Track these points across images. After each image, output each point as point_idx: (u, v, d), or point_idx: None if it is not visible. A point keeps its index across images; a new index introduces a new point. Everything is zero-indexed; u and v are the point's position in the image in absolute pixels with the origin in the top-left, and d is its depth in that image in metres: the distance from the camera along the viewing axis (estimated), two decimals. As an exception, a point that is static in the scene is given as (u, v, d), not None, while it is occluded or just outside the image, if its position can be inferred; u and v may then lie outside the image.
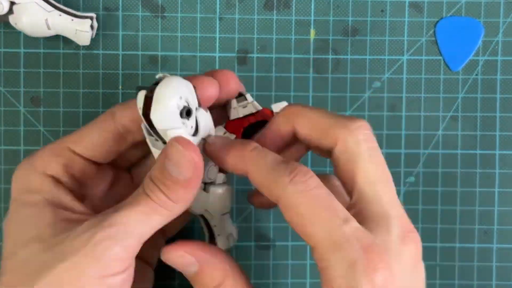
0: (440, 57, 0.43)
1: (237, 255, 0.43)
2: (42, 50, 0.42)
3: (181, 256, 0.31)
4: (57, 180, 0.32)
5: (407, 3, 0.43)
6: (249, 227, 0.43)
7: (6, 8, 0.39)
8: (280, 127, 0.33)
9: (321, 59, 0.43)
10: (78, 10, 0.40)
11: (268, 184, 0.29)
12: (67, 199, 0.32)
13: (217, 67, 0.43)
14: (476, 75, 0.44)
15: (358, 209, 0.30)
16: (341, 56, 0.43)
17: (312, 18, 0.43)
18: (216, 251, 0.32)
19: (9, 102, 0.41)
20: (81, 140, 0.33)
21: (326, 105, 0.43)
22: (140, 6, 0.42)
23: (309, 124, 0.32)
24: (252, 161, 0.30)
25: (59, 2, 0.40)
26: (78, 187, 0.34)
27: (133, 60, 0.42)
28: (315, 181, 0.29)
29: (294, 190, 0.28)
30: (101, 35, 0.42)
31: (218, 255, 0.31)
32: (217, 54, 0.43)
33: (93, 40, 0.41)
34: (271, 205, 0.33)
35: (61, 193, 0.32)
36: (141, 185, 0.30)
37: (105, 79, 0.42)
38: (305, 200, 0.28)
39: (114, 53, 0.42)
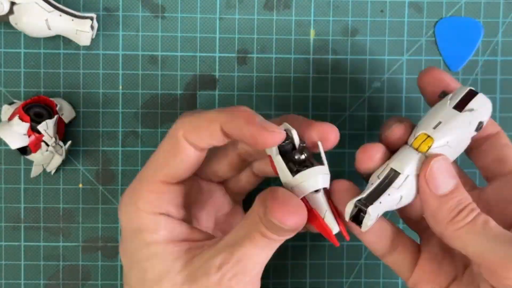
0: (440, 57, 0.43)
1: (237, 255, 0.43)
2: (42, 50, 0.42)
3: (447, 163, 0.33)
4: (167, 215, 0.34)
5: (406, 3, 0.43)
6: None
7: (6, 8, 0.39)
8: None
9: (321, 59, 0.43)
10: (78, 10, 0.40)
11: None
12: (182, 230, 0.34)
13: (217, 67, 0.43)
14: (476, 75, 0.44)
15: None
16: (341, 56, 0.43)
17: (312, 18, 0.43)
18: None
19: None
20: (169, 170, 0.34)
21: (326, 105, 0.43)
22: (140, 6, 0.42)
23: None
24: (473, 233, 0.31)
25: (59, 2, 0.40)
26: (184, 213, 0.35)
27: (133, 60, 0.42)
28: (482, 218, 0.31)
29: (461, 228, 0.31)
30: (101, 35, 0.42)
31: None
32: (217, 54, 0.43)
33: (93, 40, 0.41)
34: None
35: (175, 227, 0.34)
36: (251, 219, 0.32)
37: (105, 79, 0.42)
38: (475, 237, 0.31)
39: (114, 53, 0.42)
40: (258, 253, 0.32)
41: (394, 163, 0.33)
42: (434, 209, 0.32)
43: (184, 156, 0.33)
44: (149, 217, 0.33)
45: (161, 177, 0.34)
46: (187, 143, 0.33)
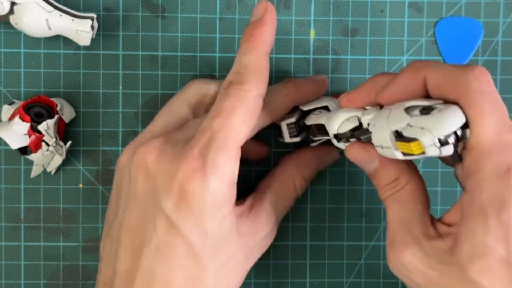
0: (440, 57, 0.43)
1: (237, 255, 0.43)
2: (42, 50, 0.42)
3: (366, 151, 0.35)
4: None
5: (406, 3, 0.43)
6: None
7: (6, 8, 0.39)
8: (408, 81, 0.32)
9: (321, 59, 0.43)
10: (78, 10, 0.40)
11: (450, 80, 0.30)
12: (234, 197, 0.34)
13: (217, 67, 0.43)
14: (476, 75, 0.44)
15: None
16: (341, 56, 0.43)
17: (312, 18, 0.43)
18: None
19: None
20: (248, 133, 0.34)
21: (326, 105, 0.43)
22: (140, 6, 0.42)
23: (438, 76, 0.31)
24: (431, 65, 0.31)
25: (59, 2, 0.40)
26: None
27: (133, 60, 0.42)
28: (493, 82, 0.30)
29: (477, 88, 0.29)
30: (101, 35, 0.42)
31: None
32: (217, 54, 0.43)
33: (93, 40, 0.41)
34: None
35: (234, 195, 0.34)
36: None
37: (105, 79, 0.42)
38: (486, 98, 0.29)
39: (114, 53, 0.42)
40: (235, 123, 0.33)
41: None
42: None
43: (257, 114, 0.34)
44: (227, 186, 0.33)
45: (241, 141, 0.33)
46: (260, 98, 0.34)
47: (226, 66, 0.43)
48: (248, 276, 0.42)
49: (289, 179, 0.39)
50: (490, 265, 0.28)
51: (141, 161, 0.34)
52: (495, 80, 0.44)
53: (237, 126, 0.33)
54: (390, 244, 0.33)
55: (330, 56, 0.43)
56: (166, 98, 0.42)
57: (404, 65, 0.43)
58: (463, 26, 0.43)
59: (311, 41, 0.43)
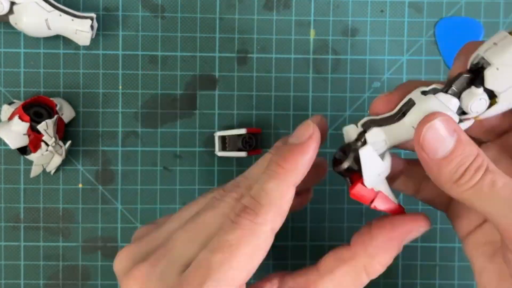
0: (440, 57, 0.43)
1: (237, 255, 0.43)
2: (42, 50, 0.42)
3: (446, 121, 0.28)
4: None
5: (406, 3, 0.43)
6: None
7: (6, 8, 0.39)
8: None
9: (321, 59, 0.43)
10: (78, 10, 0.40)
11: None
12: None
13: (217, 67, 0.43)
14: (476, 75, 0.44)
15: None
16: (341, 56, 0.43)
17: (312, 18, 0.43)
18: None
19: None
20: (244, 271, 0.29)
21: (326, 105, 0.43)
22: (140, 6, 0.42)
23: None
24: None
25: (59, 2, 0.40)
26: None
27: (133, 60, 0.42)
28: None
29: None
30: (101, 35, 0.42)
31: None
32: (217, 54, 0.43)
33: (93, 40, 0.41)
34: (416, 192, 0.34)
35: None
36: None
37: (105, 79, 0.42)
38: None
39: (114, 53, 0.42)
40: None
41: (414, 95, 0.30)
42: (435, 174, 0.29)
43: (266, 252, 0.30)
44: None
45: (244, 280, 0.29)
46: (272, 234, 0.30)
47: (226, 66, 0.43)
48: (248, 276, 0.42)
49: (360, 269, 0.32)
50: None
51: None
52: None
53: (240, 265, 0.28)
54: None
55: (330, 56, 0.43)
56: (166, 98, 0.42)
57: (404, 65, 0.43)
58: (463, 26, 0.43)
59: (311, 41, 0.43)
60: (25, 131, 0.38)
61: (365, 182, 0.30)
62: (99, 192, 0.42)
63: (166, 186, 0.43)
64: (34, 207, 0.42)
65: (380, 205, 0.31)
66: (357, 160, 0.30)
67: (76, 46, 0.42)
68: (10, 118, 0.39)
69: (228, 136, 0.41)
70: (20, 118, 0.38)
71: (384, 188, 0.31)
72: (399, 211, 0.32)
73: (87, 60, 0.42)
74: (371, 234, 0.32)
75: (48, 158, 0.40)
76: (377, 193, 0.31)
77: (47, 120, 0.39)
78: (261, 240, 0.29)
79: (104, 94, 0.42)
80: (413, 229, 0.32)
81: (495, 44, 0.28)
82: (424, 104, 0.29)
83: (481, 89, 0.28)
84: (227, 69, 0.43)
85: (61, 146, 0.40)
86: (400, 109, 0.30)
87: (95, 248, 0.42)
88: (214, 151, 0.42)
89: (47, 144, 0.39)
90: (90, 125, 0.42)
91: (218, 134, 0.42)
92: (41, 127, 0.39)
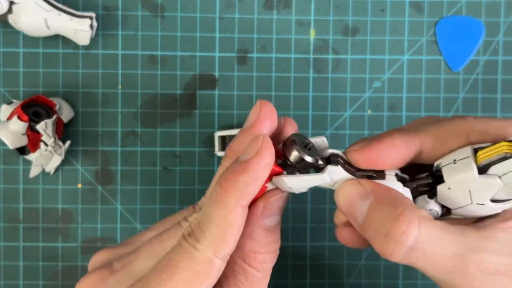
0: (440, 57, 0.43)
1: (236, 256, 0.43)
2: (41, 50, 0.42)
3: (357, 184, 0.28)
4: None
5: (407, 3, 0.43)
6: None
7: (5, 8, 0.38)
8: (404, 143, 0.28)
9: (321, 59, 0.43)
10: (77, 9, 0.40)
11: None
12: None
13: (217, 67, 0.42)
14: (477, 75, 0.44)
15: None
16: (341, 56, 0.43)
17: (312, 18, 0.43)
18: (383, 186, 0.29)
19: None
20: None
21: (326, 105, 0.43)
22: (140, 5, 0.42)
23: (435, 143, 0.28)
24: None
25: (58, 2, 0.40)
26: None
27: (132, 59, 0.42)
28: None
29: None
30: (101, 35, 0.42)
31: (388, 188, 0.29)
32: (217, 54, 0.43)
33: (92, 39, 0.40)
34: (364, 245, 0.32)
35: None
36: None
37: (104, 78, 0.42)
38: None
39: (113, 53, 0.42)
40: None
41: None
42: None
43: (207, 278, 0.28)
44: None
45: None
46: (216, 260, 0.28)
47: (226, 65, 0.42)
48: (248, 277, 0.42)
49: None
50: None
51: None
52: (496, 80, 0.44)
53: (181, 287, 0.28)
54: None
55: (330, 56, 0.43)
56: (165, 98, 0.42)
57: (405, 65, 0.43)
58: (463, 26, 0.43)
59: (311, 41, 0.43)
60: (24, 131, 0.38)
61: (288, 183, 0.29)
62: (99, 192, 0.42)
63: (166, 186, 0.43)
64: (33, 207, 0.42)
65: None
66: (305, 167, 0.28)
67: (76, 46, 0.42)
68: (9, 118, 0.39)
69: (228, 136, 0.41)
70: (19, 118, 0.38)
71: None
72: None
73: (86, 59, 0.42)
74: None
75: (47, 158, 0.40)
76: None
77: (46, 120, 0.39)
78: (201, 266, 0.28)
79: (103, 94, 0.42)
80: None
81: (454, 161, 0.27)
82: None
83: (432, 201, 0.28)
84: (227, 69, 0.43)
85: (60, 146, 0.40)
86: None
87: (94, 248, 0.42)
88: (213, 151, 0.42)
89: (46, 144, 0.39)
90: (89, 125, 0.42)
91: (218, 134, 0.42)
92: (40, 127, 0.39)
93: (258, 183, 0.28)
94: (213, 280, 0.28)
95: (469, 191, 0.27)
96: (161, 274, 0.28)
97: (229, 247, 0.28)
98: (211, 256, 0.28)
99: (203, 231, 0.28)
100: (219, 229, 0.28)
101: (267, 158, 0.27)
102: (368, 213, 0.28)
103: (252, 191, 0.28)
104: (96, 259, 0.32)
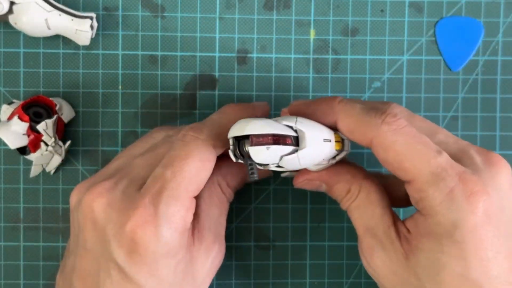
0: (440, 57, 0.43)
1: (236, 255, 0.43)
2: (41, 50, 0.42)
3: (309, 181, 0.36)
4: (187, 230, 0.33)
5: (407, 3, 0.43)
6: (249, 227, 0.43)
7: (6, 8, 0.38)
8: (324, 117, 0.34)
9: (321, 59, 0.43)
10: (78, 10, 0.40)
11: (360, 127, 0.32)
12: (190, 242, 0.34)
13: (217, 67, 0.43)
14: (476, 75, 0.44)
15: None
16: (341, 56, 0.43)
17: (312, 18, 0.43)
18: (338, 169, 0.36)
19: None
20: (201, 184, 0.33)
21: (326, 105, 0.43)
22: (140, 6, 0.42)
23: (348, 124, 0.33)
24: (342, 109, 0.33)
25: (59, 2, 0.40)
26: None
27: (133, 60, 0.42)
28: (404, 120, 0.31)
29: (388, 129, 0.31)
30: (101, 35, 0.42)
31: (340, 171, 0.35)
32: (217, 54, 0.43)
33: (92, 40, 0.40)
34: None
35: (189, 242, 0.34)
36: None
37: (105, 79, 0.42)
38: (399, 137, 0.31)
39: (113, 53, 0.42)
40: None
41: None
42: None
43: (211, 167, 0.33)
44: (178, 235, 0.32)
45: (194, 192, 0.33)
46: (215, 151, 0.33)
47: (226, 66, 0.43)
48: (248, 276, 0.42)
49: (215, 183, 0.37)
50: (445, 280, 0.30)
51: (87, 210, 0.32)
52: (495, 80, 0.44)
53: (190, 176, 0.32)
54: (360, 250, 0.34)
55: (330, 56, 0.43)
56: (165, 98, 0.42)
57: (405, 64, 0.43)
58: (463, 26, 0.43)
59: (311, 41, 0.43)
60: (24, 131, 0.38)
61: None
62: (99, 192, 0.42)
63: (166, 186, 0.43)
64: (34, 207, 0.42)
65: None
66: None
67: (76, 46, 0.42)
68: (10, 118, 0.39)
69: None
70: (19, 118, 0.38)
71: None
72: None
73: (87, 60, 0.42)
74: (225, 162, 0.36)
75: (47, 158, 0.40)
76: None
77: (46, 120, 0.39)
78: (206, 154, 0.33)
79: (103, 94, 0.42)
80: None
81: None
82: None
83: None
84: (227, 69, 0.43)
85: (60, 146, 0.40)
86: None
87: (94, 248, 0.42)
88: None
89: (46, 144, 0.39)
90: (89, 125, 0.42)
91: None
92: (40, 127, 0.39)
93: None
94: (209, 173, 0.33)
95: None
96: (171, 168, 0.32)
97: (222, 145, 0.34)
98: (213, 146, 0.33)
99: (206, 125, 0.34)
100: (220, 127, 0.34)
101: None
102: (327, 191, 0.36)
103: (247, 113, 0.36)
104: (81, 188, 0.34)
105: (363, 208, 0.34)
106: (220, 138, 0.34)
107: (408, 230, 0.32)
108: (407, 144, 0.31)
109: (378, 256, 0.33)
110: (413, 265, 0.31)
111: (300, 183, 0.37)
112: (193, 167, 0.32)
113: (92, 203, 0.32)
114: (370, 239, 0.33)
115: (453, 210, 0.29)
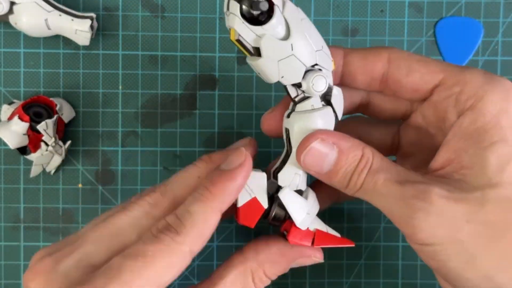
0: (440, 57, 0.43)
1: (237, 255, 0.43)
2: (42, 50, 0.42)
3: (322, 141, 0.31)
4: None
5: (406, 3, 0.43)
6: (248, 227, 0.43)
7: (6, 8, 0.39)
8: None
9: (321, 59, 0.43)
10: (78, 10, 0.40)
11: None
12: None
13: (217, 67, 0.43)
14: (476, 75, 0.44)
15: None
16: (341, 56, 0.43)
17: (312, 18, 0.43)
18: (345, 134, 0.31)
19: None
20: (156, 285, 0.29)
21: (326, 105, 0.43)
22: (140, 6, 0.42)
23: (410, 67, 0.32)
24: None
25: (59, 2, 0.40)
26: None
27: (133, 60, 0.42)
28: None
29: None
30: (101, 35, 0.42)
31: (348, 136, 0.31)
32: (217, 54, 0.43)
33: (93, 40, 0.41)
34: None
35: None
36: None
37: (105, 79, 0.42)
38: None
39: (114, 53, 0.42)
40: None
41: None
42: (329, 183, 0.31)
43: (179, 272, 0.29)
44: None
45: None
46: (190, 256, 0.29)
47: (226, 66, 0.43)
48: (248, 277, 0.42)
49: (247, 270, 0.33)
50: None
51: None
52: (495, 80, 0.44)
53: (150, 277, 0.28)
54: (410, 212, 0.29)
55: (330, 56, 0.43)
56: (165, 98, 0.42)
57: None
58: (463, 26, 0.43)
59: (311, 41, 0.43)
60: (24, 131, 0.38)
61: (297, 223, 0.32)
62: (99, 192, 0.42)
63: (166, 186, 0.43)
64: (34, 207, 0.42)
65: (322, 242, 0.33)
66: (282, 206, 0.32)
67: (76, 46, 0.42)
68: (10, 118, 0.39)
69: None
70: (20, 118, 0.38)
71: (319, 225, 0.33)
72: (345, 242, 0.34)
73: (87, 60, 0.42)
74: (268, 243, 0.34)
75: (48, 158, 0.40)
76: (314, 232, 0.33)
77: (47, 120, 0.39)
78: (178, 259, 0.29)
79: (104, 94, 0.42)
80: (304, 256, 0.34)
81: None
82: (295, 128, 0.31)
83: None
84: (227, 69, 0.43)
85: (61, 146, 0.40)
86: (286, 141, 0.32)
87: (95, 248, 0.42)
88: (213, 151, 0.42)
89: (47, 144, 0.39)
90: (90, 125, 0.42)
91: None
92: (41, 127, 0.39)
93: (238, 192, 0.31)
94: (179, 273, 0.29)
95: None
96: (132, 261, 0.28)
97: (201, 246, 0.30)
98: (188, 251, 0.29)
99: (185, 227, 0.29)
100: (200, 228, 0.29)
101: (249, 170, 0.31)
102: (336, 161, 0.30)
103: (233, 198, 0.31)
104: (37, 257, 0.31)
105: (388, 170, 0.30)
106: (201, 240, 0.30)
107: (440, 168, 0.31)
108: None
109: (435, 193, 0.29)
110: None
111: (314, 148, 0.31)
112: (157, 270, 0.28)
113: (29, 283, 0.29)
114: (413, 191, 0.29)
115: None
